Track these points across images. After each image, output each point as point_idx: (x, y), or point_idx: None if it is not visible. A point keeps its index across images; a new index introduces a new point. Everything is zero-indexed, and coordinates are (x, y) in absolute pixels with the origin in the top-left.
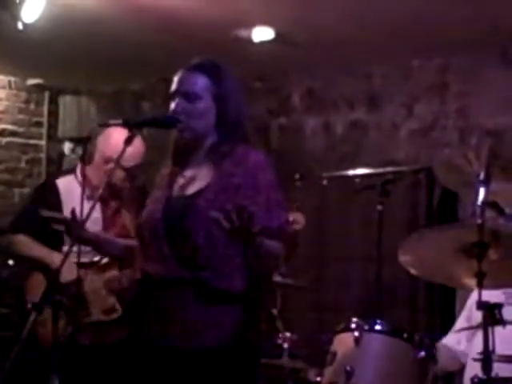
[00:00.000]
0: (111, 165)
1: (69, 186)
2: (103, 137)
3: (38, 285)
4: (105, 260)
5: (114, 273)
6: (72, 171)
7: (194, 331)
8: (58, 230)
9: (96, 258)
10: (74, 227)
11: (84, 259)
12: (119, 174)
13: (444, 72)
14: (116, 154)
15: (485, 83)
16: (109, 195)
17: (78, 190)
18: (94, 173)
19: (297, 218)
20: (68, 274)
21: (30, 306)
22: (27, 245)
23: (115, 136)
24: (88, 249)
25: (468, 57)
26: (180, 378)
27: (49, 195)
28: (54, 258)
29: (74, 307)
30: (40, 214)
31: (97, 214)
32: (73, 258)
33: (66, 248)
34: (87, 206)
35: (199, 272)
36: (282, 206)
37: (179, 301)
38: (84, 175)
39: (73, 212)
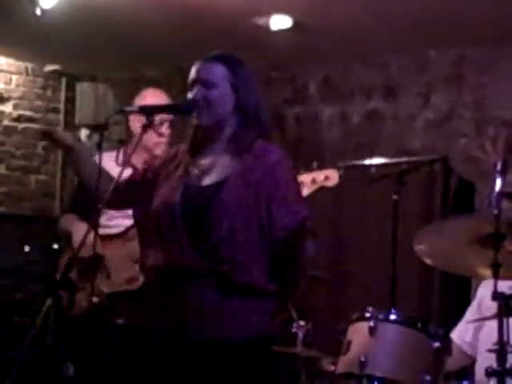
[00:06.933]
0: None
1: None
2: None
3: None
4: (132, 232)
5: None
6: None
7: (211, 322)
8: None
9: (121, 229)
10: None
11: (111, 231)
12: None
13: (460, 63)
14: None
15: (501, 74)
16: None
17: (108, 163)
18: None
19: (330, 174)
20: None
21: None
22: (67, 220)
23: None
24: (114, 222)
25: (484, 48)
26: (193, 369)
27: None
28: (79, 228)
29: (93, 275)
30: None
31: None
32: (100, 230)
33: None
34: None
35: (220, 265)
36: (301, 201)
37: (198, 292)
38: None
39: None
